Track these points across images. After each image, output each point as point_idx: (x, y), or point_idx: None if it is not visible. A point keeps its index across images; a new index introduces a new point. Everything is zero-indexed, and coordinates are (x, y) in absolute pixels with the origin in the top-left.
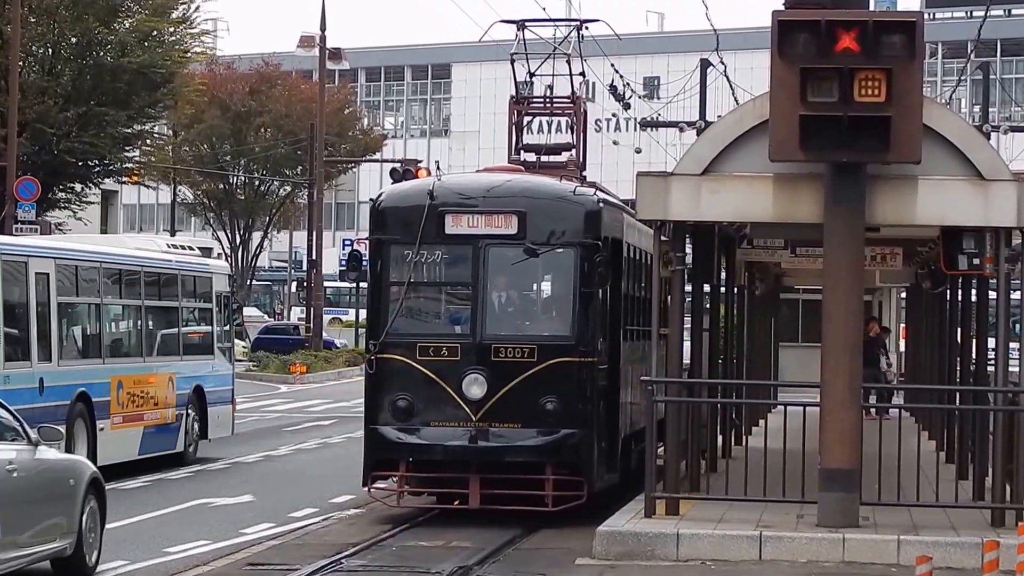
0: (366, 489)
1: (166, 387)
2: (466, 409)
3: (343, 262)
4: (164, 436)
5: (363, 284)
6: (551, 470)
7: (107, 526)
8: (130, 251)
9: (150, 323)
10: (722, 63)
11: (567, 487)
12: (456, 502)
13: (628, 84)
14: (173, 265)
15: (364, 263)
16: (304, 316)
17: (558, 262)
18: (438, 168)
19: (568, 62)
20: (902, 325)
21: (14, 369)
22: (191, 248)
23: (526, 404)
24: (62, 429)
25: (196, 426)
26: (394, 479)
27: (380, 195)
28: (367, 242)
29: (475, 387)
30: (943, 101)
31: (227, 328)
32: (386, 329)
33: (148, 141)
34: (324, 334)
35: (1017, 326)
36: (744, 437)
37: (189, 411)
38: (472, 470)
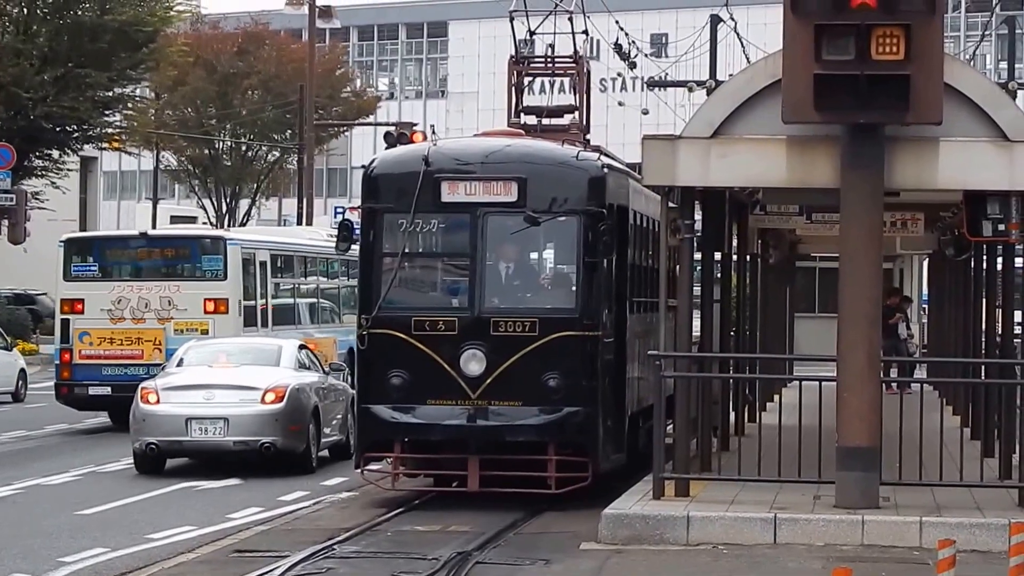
0: (359, 471)
1: (332, 348)
2: (464, 386)
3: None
4: None
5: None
6: (554, 450)
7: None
8: (307, 240)
9: (322, 297)
10: (733, 19)
11: (571, 468)
12: (454, 484)
13: (634, 42)
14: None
15: (356, 232)
16: None
17: (560, 231)
18: (434, 132)
19: (570, 19)
20: (924, 299)
21: (248, 331)
22: None
23: (527, 381)
24: (344, 364)
25: (351, 380)
26: (388, 460)
27: (373, 161)
28: (359, 211)
29: (473, 363)
30: (966, 57)
31: None
32: (379, 302)
33: (129, 105)
34: None
35: None
36: (758, 414)
37: (346, 367)
38: (471, 451)
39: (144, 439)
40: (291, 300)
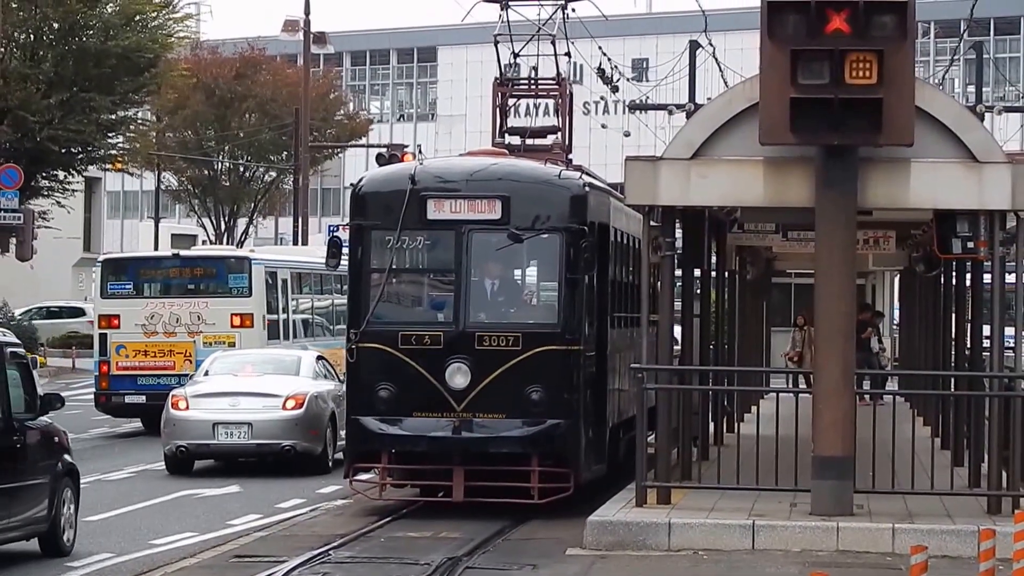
0: (348, 481)
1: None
2: (449, 399)
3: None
4: None
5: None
6: (537, 461)
7: (94, 518)
8: (322, 260)
9: (335, 311)
10: (711, 44)
11: (553, 479)
12: (440, 494)
13: (616, 67)
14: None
15: (345, 249)
16: None
17: (543, 248)
18: (420, 152)
19: (553, 43)
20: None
21: (271, 344)
22: None
23: (511, 394)
24: None
25: None
26: (376, 471)
27: (361, 180)
28: (348, 227)
29: (458, 376)
30: (935, 82)
31: None
32: (367, 317)
33: (132, 127)
34: None
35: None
36: (736, 424)
37: None
38: (456, 462)
39: (175, 442)
40: (309, 314)
